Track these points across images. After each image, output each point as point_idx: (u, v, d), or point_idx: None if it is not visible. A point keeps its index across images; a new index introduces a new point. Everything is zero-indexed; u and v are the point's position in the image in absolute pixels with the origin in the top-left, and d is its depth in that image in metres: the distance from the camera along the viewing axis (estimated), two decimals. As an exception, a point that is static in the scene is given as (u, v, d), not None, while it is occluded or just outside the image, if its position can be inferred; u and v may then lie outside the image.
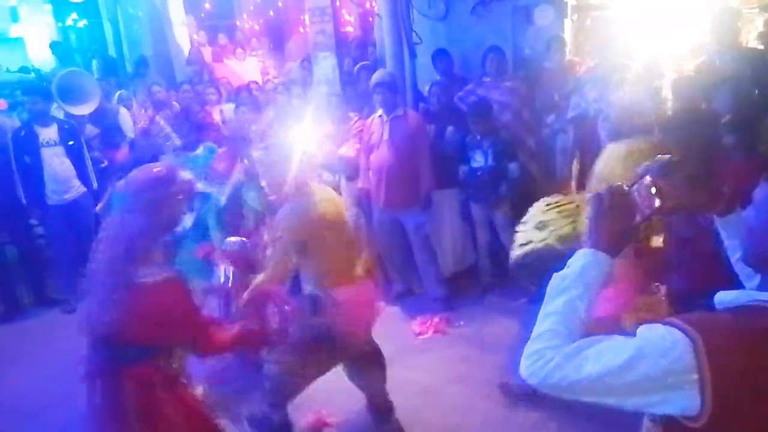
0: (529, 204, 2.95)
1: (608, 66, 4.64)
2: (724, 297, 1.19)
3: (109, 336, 2.17)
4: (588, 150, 4.57)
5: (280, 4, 9.32)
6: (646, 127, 3.31)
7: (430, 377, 3.89)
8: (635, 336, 1.15)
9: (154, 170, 2.32)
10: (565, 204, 2.82)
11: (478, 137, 4.67)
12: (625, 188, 1.33)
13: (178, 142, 4.54)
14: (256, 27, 9.72)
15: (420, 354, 4.19)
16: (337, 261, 2.96)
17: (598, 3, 5.52)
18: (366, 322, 3.11)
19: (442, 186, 4.83)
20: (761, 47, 4.79)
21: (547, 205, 2.85)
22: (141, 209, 2.19)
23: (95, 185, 5.37)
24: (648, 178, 1.35)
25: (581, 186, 4.45)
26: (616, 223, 1.29)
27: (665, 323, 1.13)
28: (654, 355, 1.09)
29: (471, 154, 4.72)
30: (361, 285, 3.03)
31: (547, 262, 2.54)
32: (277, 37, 9.30)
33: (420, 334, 4.47)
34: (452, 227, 5.11)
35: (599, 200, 1.32)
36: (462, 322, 4.56)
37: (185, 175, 2.69)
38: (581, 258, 1.29)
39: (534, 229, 2.79)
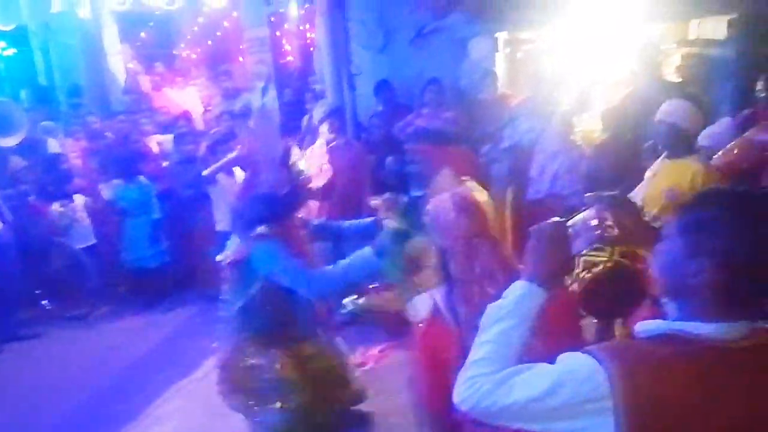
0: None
1: (540, 99, 4.83)
2: (643, 326, 1.22)
3: None
4: (522, 178, 4.73)
5: (219, 33, 9.27)
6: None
7: (376, 408, 3.84)
8: (558, 364, 1.18)
9: None
10: None
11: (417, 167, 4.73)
12: (564, 221, 1.38)
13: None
14: (194, 56, 9.61)
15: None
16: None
17: (528, 37, 5.76)
18: None
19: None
20: (679, 80, 5.10)
21: None
22: None
23: (9, 218, 5.13)
24: (593, 211, 1.40)
25: (516, 213, 4.59)
26: (554, 257, 1.33)
27: (584, 351, 1.16)
28: (573, 383, 1.13)
29: (411, 184, 4.76)
30: None
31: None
32: (216, 67, 9.21)
33: (362, 365, 4.42)
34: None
35: (538, 233, 1.36)
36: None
37: None
38: (517, 289, 1.32)
39: None
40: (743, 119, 4.16)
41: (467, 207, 2.63)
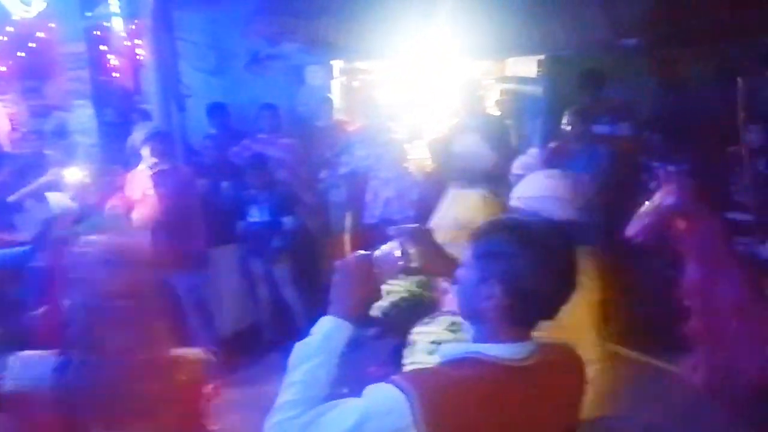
0: (311, 259, 2.97)
1: (375, 126, 4.97)
2: (445, 350, 1.28)
3: None
4: (359, 204, 4.82)
5: (32, 45, 8.36)
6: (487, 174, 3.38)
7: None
8: (363, 397, 1.18)
9: None
10: None
11: (255, 192, 4.63)
12: (369, 254, 1.39)
13: None
14: (4, 69, 8.57)
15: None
16: None
17: (365, 67, 5.93)
18: None
19: (218, 243, 4.65)
20: (498, 113, 5.57)
21: None
22: None
23: None
24: (397, 243, 1.42)
25: (355, 238, 4.65)
26: (359, 290, 1.33)
27: (388, 381, 1.17)
28: (379, 414, 1.14)
29: (248, 209, 4.65)
30: None
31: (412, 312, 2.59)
32: (29, 81, 8.28)
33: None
34: (230, 285, 4.92)
35: (343, 268, 1.36)
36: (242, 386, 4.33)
37: None
38: (323, 325, 1.30)
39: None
40: (550, 151, 4.60)
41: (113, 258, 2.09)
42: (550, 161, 4.58)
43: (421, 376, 1.23)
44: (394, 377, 1.18)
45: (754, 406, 2.60)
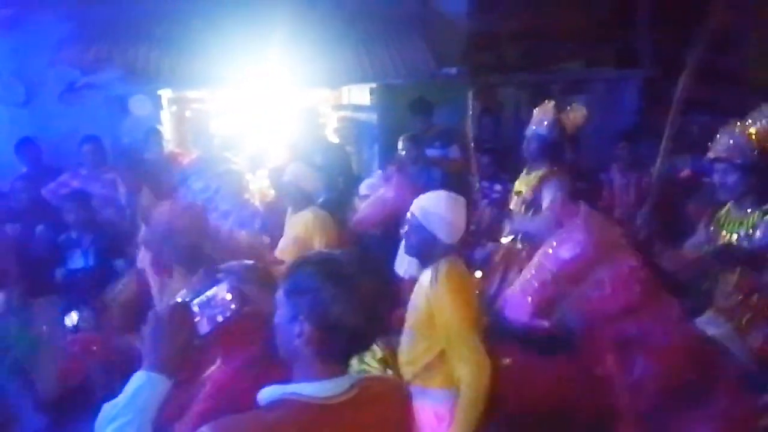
0: (148, 303, 2.73)
1: (211, 157, 4.77)
2: (263, 394, 1.23)
3: None
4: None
5: None
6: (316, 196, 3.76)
7: None
8: None
9: None
10: None
11: (75, 235, 4.19)
12: (186, 302, 1.30)
13: None
14: None
15: None
16: None
17: (197, 96, 5.69)
18: None
19: (34, 295, 4.13)
20: (337, 140, 5.64)
21: None
22: None
23: None
24: (226, 285, 1.33)
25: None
26: (173, 341, 1.25)
27: (198, 430, 1.14)
28: None
29: (68, 255, 4.19)
30: None
31: None
32: None
33: None
34: (50, 339, 4.38)
35: (155, 318, 1.27)
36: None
37: None
38: (134, 382, 1.22)
39: None
40: (388, 174, 4.74)
41: None
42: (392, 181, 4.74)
43: (231, 422, 1.18)
44: (204, 426, 1.13)
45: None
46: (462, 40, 5.39)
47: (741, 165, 2.50)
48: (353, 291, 1.19)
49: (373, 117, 5.41)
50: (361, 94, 5.54)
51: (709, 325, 2.52)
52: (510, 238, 3.70)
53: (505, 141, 5.52)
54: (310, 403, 1.18)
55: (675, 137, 4.18)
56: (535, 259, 2.42)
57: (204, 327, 1.29)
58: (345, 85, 5.57)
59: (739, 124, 2.57)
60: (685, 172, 4.60)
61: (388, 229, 3.91)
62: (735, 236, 2.57)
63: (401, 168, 4.62)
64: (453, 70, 5.02)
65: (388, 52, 5.03)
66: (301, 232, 3.56)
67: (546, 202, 3.51)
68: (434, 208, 2.26)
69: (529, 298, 2.33)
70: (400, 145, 4.53)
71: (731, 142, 2.53)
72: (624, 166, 4.72)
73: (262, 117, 5.71)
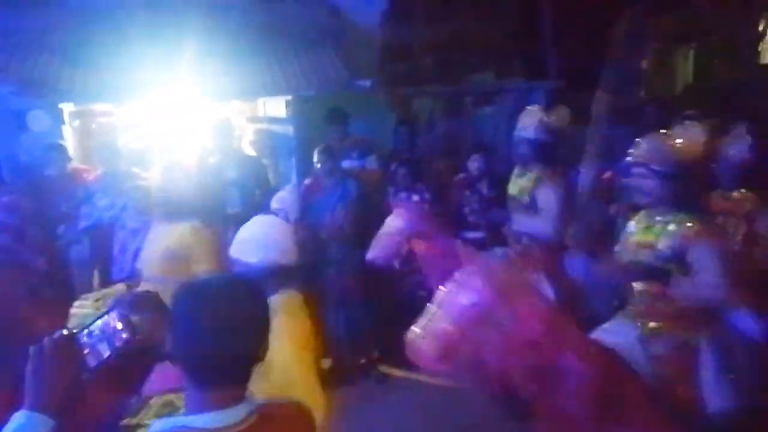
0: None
1: (118, 173, 4.58)
2: (153, 427, 1.20)
3: None
4: (106, 260, 4.36)
5: None
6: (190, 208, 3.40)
7: None
8: None
9: None
10: None
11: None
12: (71, 334, 1.21)
13: None
14: None
15: None
16: None
17: (102, 109, 5.45)
18: None
19: None
20: (254, 153, 5.54)
21: None
22: None
23: None
24: (115, 314, 1.25)
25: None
26: (57, 377, 1.16)
27: None
28: None
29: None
30: None
31: None
32: None
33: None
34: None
35: (38, 352, 1.17)
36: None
37: None
38: (13, 422, 1.12)
39: None
40: (305, 186, 4.72)
41: None
42: (306, 196, 4.71)
43: None
44: None
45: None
46: (376, 51, 5.46)
47: (658, 172, 2.55)
48: (213, 318, 1.17)
49: (289, 129, 5.37)
50: (277, 106, 5.49)
51: (614, 333, 2.57)
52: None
53: (420, 151, 5.61)
54: None
55: (580, 146, 4.43)
56: (434, 304, 2.31)
57: (92, 360, 1.21)
58: (257, 97, 5.50)
59: (663, 133, 2.68)
60: (607, 175, 4.75)
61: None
62: (642, 244, 2.64)
63: (316, 180, 4.61)
64: (367, 82, 5.06)
65: (301, 65, 5.02)
66: (177, 243, 3.28)
67: (542, 203, 3.64)
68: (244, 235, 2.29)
69: (433, 345, 2.22)
70: (315, 157, 4.52)
71: (652, 148, 2.61)
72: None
73: (173, 130, 5.53)
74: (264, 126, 5.72)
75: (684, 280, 2.49)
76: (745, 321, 2.56)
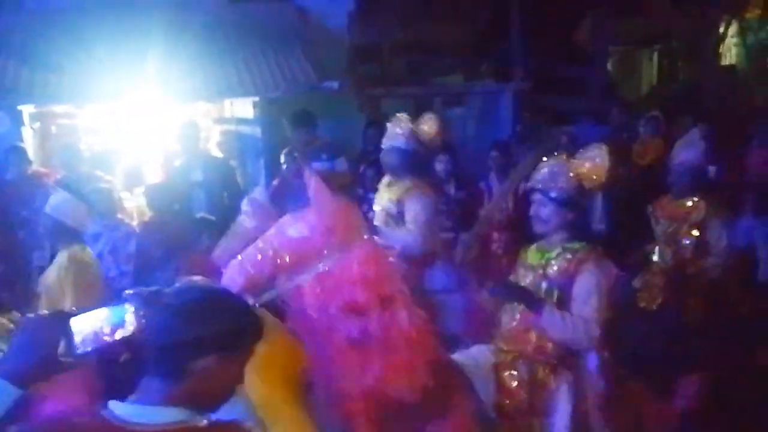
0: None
1: (79, 176, 4.48)
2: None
3: None
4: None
5: None
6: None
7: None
8: None
9: None
10: None
11: None
12: (64, 316, 1.22)
13: None
14: None
15: None
16: None
17: (63, 111, 5.33)
18: None
19: None
20: (221, 155, 5.48)
21: None
22: None
23: None
24: (128, 305, 1.27)
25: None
26: (34, 352, 1.19)
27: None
28: None
29: None
30: None
31: None
32: None
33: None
34: None
35: (23, 326, 1.25)
36: None
37: None
38: None
39: None
40: (274, 188, 4.67)
41: None
42: (274, 198, 4.65)
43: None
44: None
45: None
46: (344, 52, 5.46)
47: (556, 199, 2.41)
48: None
49: (257, 130, 5.32)
50: (245, 107, 5.44)
51: (474, 352, 2.49)
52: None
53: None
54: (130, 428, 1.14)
55: (544, 147, 4.45)
56: (269, 232, 2.25)
57: (89, 345, 1.21)
58: (224, 99, 5.45)
59: (564, 158, 2.51)
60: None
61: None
62: (531, 269, 2.51)
63: (283, 181, 4.57)
64: (335, 84, 5.05)
65: (269, 66, 4.99)
66: (51, 278, 2.98)
67: (409, 215, 3.42)
68: None
69: (248, 270, 2.16)
70: (282, 158, 4.48)
71: (552, 174, 2.44)
72: (499, 174, 4.94)
73: (138, 132, 5.44)
74: (231, 127, 5.67)
75: (555, 311, 2.32)
76: (594, 363, 2.42)
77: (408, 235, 3.38)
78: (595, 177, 2.44)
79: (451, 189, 4.88)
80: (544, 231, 2.49)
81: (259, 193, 4.68)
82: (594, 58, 8.45)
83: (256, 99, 5.22)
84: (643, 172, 5.20)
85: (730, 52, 11.19)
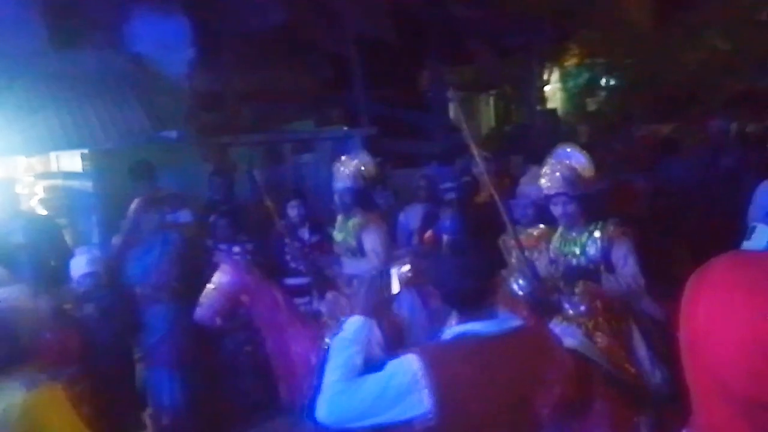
0: None
1: None
2: (447, 332, 1.78)
3: None
4: None
5: None
6: None
7: None
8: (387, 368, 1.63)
9: None
10: None
11: None
12: (378, 275, 1.92)
13: None
14: None
15: None
16: None
17: None
18: None
19: None
20: (45, 212, 4.94)
21: None
22: None
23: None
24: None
25: None
26: (374, 297, 1.86)
27: (406, 352, 1.65)
28: (399, 376, 1.60)
29: None
30: None
31: None
32: None
33: None
34: None
35: (361, 282, 1.95)
36: None
37: None
38: (354, 323, 1.77)
39: None
40: (119, 246, 4.29)
41: None
42: (120, 254, 4.27)
43: (430, 346, 1.80)
44: (411, 347, 1.68)
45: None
46: (183, 101, 5.24)
47: (573, 196, 3.02)
48: None
49: (87, 185, 4.89)
50: (72, 160, 4.99)
51: (564, 335, 2.75)
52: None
53: (239, 201, 5.42)
54: (480, 336, 1.71)
55: (406, 188, 4.66)
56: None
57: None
58: (46, 152, 4.97)
59: (561, 163, 3.09)
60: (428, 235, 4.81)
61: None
62: (572, 254, 3.11)
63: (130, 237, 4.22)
64: (173, 133, 4.82)
65: (98, 116, 4.65)
66: None
67: (368, 245, 3.87)
68: None
69: (207, 306, 3.42)
70: (130, 211, 4.16)
71: (563, 178, 3.04)
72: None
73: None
74: (58, 182, 5.15)
75: (609, 276, 2.97)
76: (650, 306, 3.06)
77: (369, 263, 3.81)
78: (588, 173, 3.07)
79: (305, 233, 4.82)
80: (569, 224, 3.11)
81: (87, 251, 4.27)
82: (433, 104, 8.95)
83: (85, 151, 4.82)
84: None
85: (554, 96, 12.54)
